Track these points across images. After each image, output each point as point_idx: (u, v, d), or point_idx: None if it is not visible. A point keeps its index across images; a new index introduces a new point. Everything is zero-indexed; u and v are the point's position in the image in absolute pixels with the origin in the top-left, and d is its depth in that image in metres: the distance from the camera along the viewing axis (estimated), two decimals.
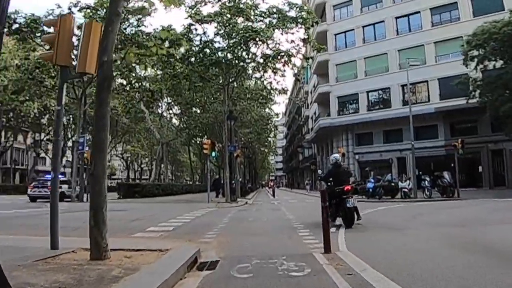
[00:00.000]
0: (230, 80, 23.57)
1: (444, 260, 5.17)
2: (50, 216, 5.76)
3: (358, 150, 38.20)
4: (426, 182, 21.76)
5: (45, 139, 64.46)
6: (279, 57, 21.02)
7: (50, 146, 63.25)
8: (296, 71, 23.28)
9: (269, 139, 62.91)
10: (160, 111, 43.02)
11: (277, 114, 56.17)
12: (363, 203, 20.93)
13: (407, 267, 4.80)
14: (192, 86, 25.03)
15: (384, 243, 7.05)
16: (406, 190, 21.97)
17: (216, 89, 25.61)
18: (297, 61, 24.34)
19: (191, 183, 64.79)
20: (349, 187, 9.44)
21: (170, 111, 45.50)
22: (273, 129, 57.14)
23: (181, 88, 26.88)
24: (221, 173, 33.79)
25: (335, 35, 41.15)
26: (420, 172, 23.11)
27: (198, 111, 41.03)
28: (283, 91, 30.70)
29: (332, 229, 8.22)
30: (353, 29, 40.00)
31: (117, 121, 50.82)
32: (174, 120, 48.08)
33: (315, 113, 46.48)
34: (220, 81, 23.27)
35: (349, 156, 38.83)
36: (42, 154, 63.95)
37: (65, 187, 23.53)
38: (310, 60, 49.08)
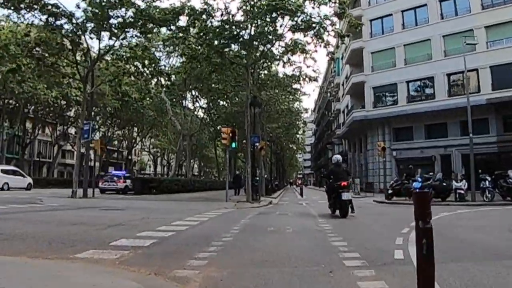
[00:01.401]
0: (254, 59, 20.20)
1: None
2: None
3: (395, 146, 34.05)
4: (487, 183, 17.65)
5: (73, 132, 63.44)
6: (310, 30, 17.42)
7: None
8: (329, 51, 19.57)
9: (298, 135, 59.56)
10: (185, 103, 40.24)
11: (306, 110, 52.36)
12: (408, 206, 17.18)
13: None
14: (213, 67, 21.88)
15: None
16: (462, 191, 17.99)
17: (238, 72, 22.34)
18: (331, 39, 20.69)
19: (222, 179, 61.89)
20: (345, 183, 10.60)
21: (196, 104, 42.63)
22: (301, 125, 53.72)
23: (202, 72, 23.79)
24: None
25: (371, 21, 36.99)
26: (480, 171, 19.01)
27: (225, 104, 38.03)
28: (314, 78, 27.20)
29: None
30: (391, 14, 35.83)
31: (142, 113, 48.91)
32: (200, 113, 45.15)
33: (347, 106, 42.46)
34: (244, 62, 19.90)
35: (385, 152, 34.70)
36: (68, 147, 62.89)
37: (128, 181, 27.29)
38: (343, 49, 45.20)
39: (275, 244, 6.25)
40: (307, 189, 53.42)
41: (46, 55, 18.13)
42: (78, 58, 19.37)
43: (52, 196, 20.01)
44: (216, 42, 18.30)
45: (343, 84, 46.45)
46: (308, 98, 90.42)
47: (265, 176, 31.82)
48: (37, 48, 17.84)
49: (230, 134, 18.16)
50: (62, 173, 66.29)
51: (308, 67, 25.52)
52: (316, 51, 20.56)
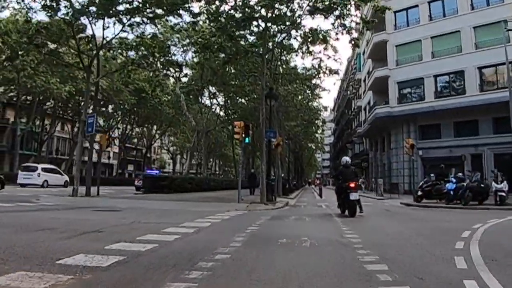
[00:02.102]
0: (269, 48, 18.38)
1: None
2: None
3: (421, 144, 31.58)
4: None
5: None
6: (331, 11, 15.42)
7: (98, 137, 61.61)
8: (352, 37, 17.52)
9: (316, 135, 57.45)
10: (202, 100, 38.75)
11: (325, 108, 50.06)
12: (442, 210, 15.04)
13: None
14: (227, 57, 20.17)
15: None
16: (503, 193, 15.68)
17: (254, 63, 20.60)
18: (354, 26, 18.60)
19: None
20: (352, 183, 10.70)
21: (214, 101, 41.00)
22: (320, 124, 51.61)
23: (215, 62, 22.10)
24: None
25: (395, 12, 34.44)
26: None
27: (243, 101, 36.30)
28: (335, 71, 25.19)
29: None
30: (416, 5, 33.48)
31: (160, 110, 47.86)
32: (218, 111, 43.48)
33: (369, 103, 40.08)
34: (259, 51, 18.11)
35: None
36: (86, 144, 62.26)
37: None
38: (364, 44, 42.80)
39: (285, 268, 4.38)
40: (326, 189, 51.29)
41: (48, 42, 16.69)
42: (82, 46, 17.91)
43: (54, 195, 18.65)
44: (228, 26, 16.49)
45: (364, 80, 44.07)
46: (328, 94, 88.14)
47: (282, 175, 29.92)
48: (38, 36, 16.41)
49: (244, 128, 16.38)
50: (81, 171, 65.76)
51: (328, 58, 22.74)
52: (337, 39, 18.46)
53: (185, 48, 28.45)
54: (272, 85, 20.36)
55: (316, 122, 46.92)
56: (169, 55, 20.43)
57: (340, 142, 74.74)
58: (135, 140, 75.78)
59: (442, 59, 30.70)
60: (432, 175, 20.24)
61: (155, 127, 60.53)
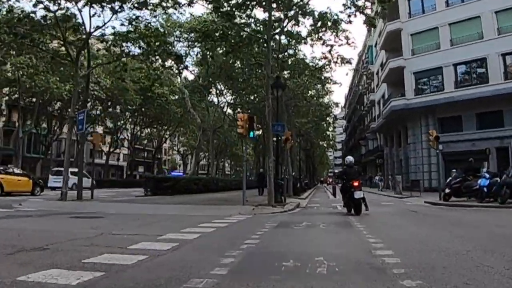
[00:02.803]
0: (274, 31, 16.49)
1: None
2: None
3: (442, 138, 29.02)
4: None
5: (100, 130, 61.71)
6: None
7: (108, 139, 60.33)
8: (368, 15, 15.53)
9: (328, 132, 55.35)
10: (210, 98, 37.05)
11: (336, 104, 47.82)
12: (477, 210, 12.88)
13: None
14: (229, 46, 18.32)
15: None
16: None
17: (258, 51, 18.74)
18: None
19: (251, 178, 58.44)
20: (356, 182, 10.79)
21: (222, 99, 39.21)
22: (331, 121, 49.52)
23: (219, 54, 20.30)
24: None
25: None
26: None
27: (252, 98, 34.45)
28: (347, 60, 23.18)
29: None
30: None
31: (168, 110, 46.42)
32: (226, 108, 41.60)
33: (383, 97, 37.84)
34: (265, 37, 16.23)
35: (429, 145, 29.99)
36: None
37: None
38: (377, 35, 40.59)
39: None
40: (339, 188, 49.00)
41: (31, 32, 15.02)
42: (69, 36, 16.26)
43: (49, 199, 16.99)
44: (226, 5, 14.65)
45: (377, 73, 41.84)
46: (340, 88, 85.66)
47: (293, 174, 27.97)
48: (19, 25, 14.77)
49: (247, 122, 14.50)
50: (90, 173, 64.72)
51: (340, 45, 20.71)
52: (350, 21, 16.50)
53: (190, 43, 26.77)
54: (279, 74, 18.45)
55: (328, 119, 44.90)
56: (167, 46, 18.59)
57: (353, 139, 72.33)
58: (145, 142, 74.54)
59: (461, 47, 28.46)
60: (453, 170, 18.17)
61: (164, 127, 58.96)
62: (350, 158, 12.35)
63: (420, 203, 16.89)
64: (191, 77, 37.71)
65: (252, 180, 36.80)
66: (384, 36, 33.98)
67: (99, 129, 60.56)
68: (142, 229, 7.54)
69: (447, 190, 15.80)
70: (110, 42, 16.83)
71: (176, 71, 23.16)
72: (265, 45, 16.78)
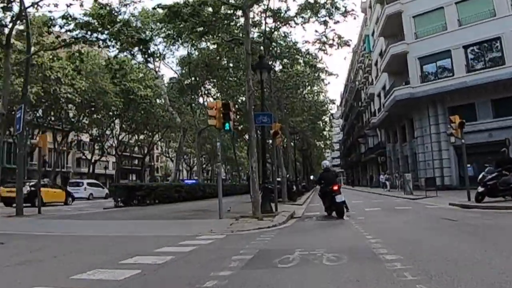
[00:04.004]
0: None
1: None
2: None
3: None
4: None
5: (87, 140, 58.16)
6: None
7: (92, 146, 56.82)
8: None
9: (325, 132, 52.13)
10: (194, 97, 33.69)
11: (332, 101, 44.47)
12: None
13: None
14: (203, 25, 15.05)
15: None
16: None
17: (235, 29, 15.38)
18: None
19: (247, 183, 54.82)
20: (336, 186, 10.87)
21: (210, 99, 35.84)
22: (328, 120, 46.31)
23: (188, 32, 16.95)
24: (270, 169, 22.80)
25: None
26: None
27: (243, 99, 31.14)
28: (345, 42, 19.86)
29: None
30: None
31: (154, 113, 43.37)
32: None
33: (383, 88, 34.53)
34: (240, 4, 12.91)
35: (439, 137, 26.74)
36: (82, 155, 57.94)
37: None
38: (373, 23, 37.39)
39: None
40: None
41: None
42: None
43: None
44: None
45: (376, 64, 38.56)
46: (336, 80, 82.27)
47: (288, 176, 24.57)
48: None
49: (222, 110, 11.09)
50: (104, 184, 61.13)
51: (336, 23, 17.40)
52: None
53: (158, 30, 23.37)
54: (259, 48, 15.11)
55: (324, 118, 41.74)
56: (126, 28, 15.20)
57: (351, 138, 69.05)
58: (135, 148, 71.12)
59: (471, 26, 25.25)
60: (486, 164, 14.90)
61: (153, 133, 55.54)
62: (326, 163, 12.71)
63: (444, 206, 13.52)
64: (169, 73, 34.58)
65: (244, 185, 33.33)
66: (383, 21, 30.71)
67: (84, 137, 57.25)
68: (16, 271, 4.12)
69: (480, 189, 12.41)
70: (50, 22, 13.41)
71: (143, 60, 19.72)
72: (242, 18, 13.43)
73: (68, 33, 15.31)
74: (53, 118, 44.48)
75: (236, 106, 30.67)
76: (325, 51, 20.39)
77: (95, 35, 15.05)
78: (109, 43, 15.35)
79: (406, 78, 28.45)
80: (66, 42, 15.28)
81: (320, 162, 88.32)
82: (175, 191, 22.94)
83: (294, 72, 24.92)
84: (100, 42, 15.60)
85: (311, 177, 57.33)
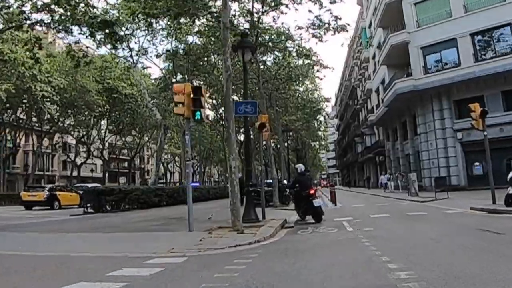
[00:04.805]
0: None
1: None
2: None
3: (459, 125, 23.86)
4: None
5: (73, 142, 55.57)
6: None
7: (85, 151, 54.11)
8: None
9: (320, 132, 49.98)
10: None
11: (327, 99, 42.22)
12: None
13: None
14: (177, 7, 12.78)
15: None
16: None
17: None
18: None
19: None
20: (312, 190, 10.80)
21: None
22: (323, 120, 44.13)
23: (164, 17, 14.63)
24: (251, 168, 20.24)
25: None
26: None
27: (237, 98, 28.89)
28: (341, 27, 17.69)
29: None
30: None
31: (139, 112, 41.18)
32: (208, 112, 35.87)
33: (382, 82, 32.34)
34: None
35: (445, 133, 24.58)
36: (67, 158, 55.33)
37: None
38: (370, 15, 35.23)
39: None
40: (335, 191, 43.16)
41: None
42: None
43: None
44: None
45: (373, 57, 36.41)
46: (332, 75, 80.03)
47: (280, 177, 22.24)
48: None
49: (191, 95, 8.77)
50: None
51: (332, 2, 15.13)
52: None
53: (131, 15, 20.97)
54: (250, 34, 12.82)
55: (318, 117, 39.59)
56: (89, 8, 12.85)
57: (346, 137, 66.90)
58: (125, 151, 68.57)
59: (479, 12, 23.17)
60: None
61: (141, 134, 53.08)
62: (301, 166, 12.32)
63: (464, 210, 11.27)
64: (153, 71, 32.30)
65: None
66: (381, 10, 28.54)
67: (70, 139, 54.58)
68: None
69: (511, 191, 10.19)
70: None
71: (111, 47, 17.33)
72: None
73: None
74: (35, 119, 41.98)
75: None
76: (320, 38, 18.21)
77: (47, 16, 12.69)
78: (67, 26, 12.96)
79: (407, 70, 26.30)
80: (17, 24, 12.91)
81: (316, 163, 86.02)
82: (154, 195, 20.67)
83: (286, 62, 22.71)
84: (57, 24, 13.24)
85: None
